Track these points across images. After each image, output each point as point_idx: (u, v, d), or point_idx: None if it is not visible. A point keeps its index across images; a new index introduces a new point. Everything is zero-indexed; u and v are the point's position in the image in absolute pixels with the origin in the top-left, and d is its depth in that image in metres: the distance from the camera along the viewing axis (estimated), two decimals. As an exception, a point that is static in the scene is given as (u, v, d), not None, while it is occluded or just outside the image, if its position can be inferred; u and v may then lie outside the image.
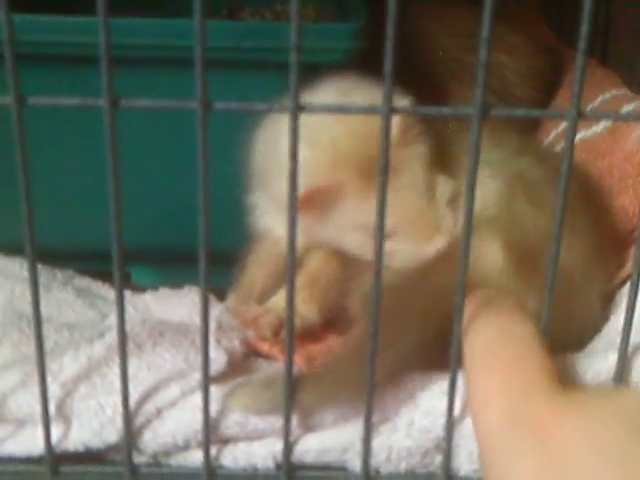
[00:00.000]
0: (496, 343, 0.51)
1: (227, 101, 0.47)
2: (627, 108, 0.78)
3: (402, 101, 0.61)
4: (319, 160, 0.64)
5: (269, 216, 0.71)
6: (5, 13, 0.44)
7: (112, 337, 0.58)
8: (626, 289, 0.57)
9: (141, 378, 0.57)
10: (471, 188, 0.48)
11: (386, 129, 0.47)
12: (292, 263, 0.50)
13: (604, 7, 1.01)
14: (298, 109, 0.46)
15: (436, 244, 0.65)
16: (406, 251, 0.66)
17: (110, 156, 0.48)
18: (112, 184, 0.49)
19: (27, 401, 0.56)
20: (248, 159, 0.69)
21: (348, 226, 0.66)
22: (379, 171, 0.47)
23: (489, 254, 0.63)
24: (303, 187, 0.63)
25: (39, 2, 0.72)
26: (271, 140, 0.66)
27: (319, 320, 0.69)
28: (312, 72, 0.71)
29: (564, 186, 0.47)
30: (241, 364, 0.61)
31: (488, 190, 0.64)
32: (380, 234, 0.48)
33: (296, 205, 0.48)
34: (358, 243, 0.66)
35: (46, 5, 0.72)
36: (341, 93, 0.66)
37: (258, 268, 0.74)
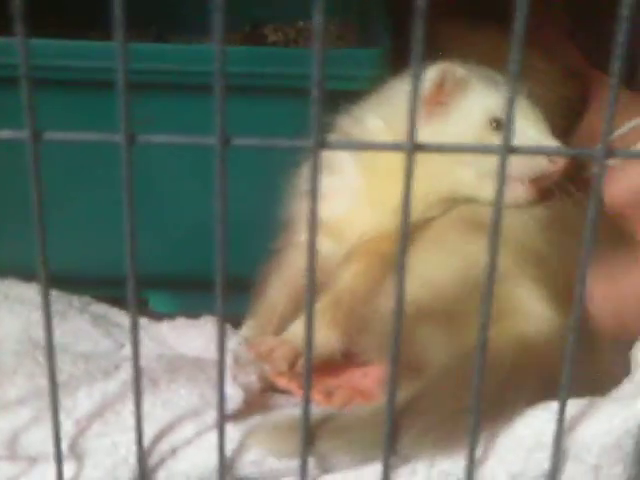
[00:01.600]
0: None
1: (246, 136, 0.46)
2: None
3: None
4: None
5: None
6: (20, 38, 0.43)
7: (127, 373, 0.57)
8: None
9: (156, 416, 0.55)
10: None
11: (408, 167, 0.45)
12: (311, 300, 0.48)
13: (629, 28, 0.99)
14: (319, 146, 0.45)
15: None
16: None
17: (126, 191, 0.47)
18: (127, 220, 0.48)
19: (40, 438, 0.55)
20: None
21: (472, 128, 0.67)
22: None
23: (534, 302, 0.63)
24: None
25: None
26: None
27: (341, 347, 0.66)
28: (334, 98, 0.71)
29: (591, 230, 0.45)
30: (258, 400, 0.60)
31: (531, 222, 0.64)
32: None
33: (315, 246, 0.47)
34: (473, 173, 0.66)
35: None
36: None
37: (280, 289, 0.72)
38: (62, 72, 0.67)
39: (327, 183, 0.67)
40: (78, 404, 0.56)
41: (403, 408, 0.53)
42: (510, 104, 0.43)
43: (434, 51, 0.91)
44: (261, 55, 0.69)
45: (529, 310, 0.62)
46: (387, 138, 0.68)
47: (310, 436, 0.51)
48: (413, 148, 0.44)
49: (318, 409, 0.60)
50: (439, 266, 0.64)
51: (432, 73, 0.68)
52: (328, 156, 0.70)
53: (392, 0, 0.82)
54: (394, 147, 0.45)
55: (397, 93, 0.70)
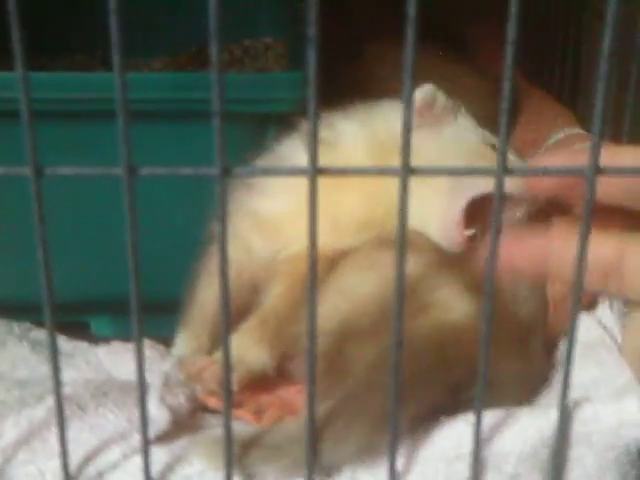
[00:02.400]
0: None
1: (153, 166, 0.47)
2: (578, 147, 0.78)
3: None
4: None
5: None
6: None
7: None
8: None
9: (83, 440, 0.56)
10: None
11: (312, 191, 0.46)
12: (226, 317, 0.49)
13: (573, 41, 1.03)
14: (225, 174, 0.46)
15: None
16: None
17: (38, 222, 0.48)
18: (41, 253, 0.49)
19: (-34, 468, 0.56)
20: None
21: (454, 156, 0.68)
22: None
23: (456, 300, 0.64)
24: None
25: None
26: None
27: (271, 365, 0.66)
28: (260, 122, 0.72)
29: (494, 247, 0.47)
30: (187, 421, 0.61)
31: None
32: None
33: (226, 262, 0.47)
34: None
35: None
36: None
37: (210, 288, 0.71)
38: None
39: (274, 179, 0.68)
40: (5, 432, 0.56)
41: (326, 418, 0.54)
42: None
43: (366, 72, 0.93)
44: (175, 81, 0.70)
45: (449, 301, 0.64)
46: (363, 146, 0.70)
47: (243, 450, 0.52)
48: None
49: (248, 427, 0.61)
50: (360, 282, 0.65)
51: (421, 94, 0.69)
52: (283, 151, 0.70)
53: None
54: (298, 171, 0.46)
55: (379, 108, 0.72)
